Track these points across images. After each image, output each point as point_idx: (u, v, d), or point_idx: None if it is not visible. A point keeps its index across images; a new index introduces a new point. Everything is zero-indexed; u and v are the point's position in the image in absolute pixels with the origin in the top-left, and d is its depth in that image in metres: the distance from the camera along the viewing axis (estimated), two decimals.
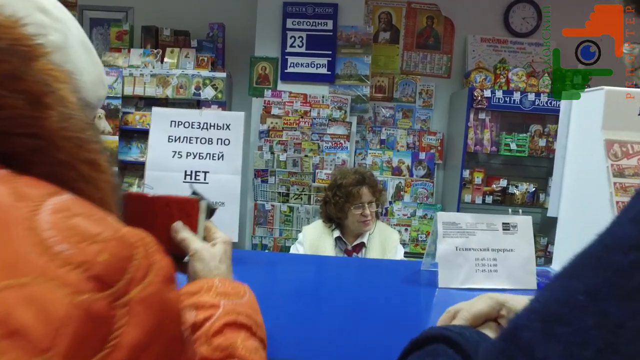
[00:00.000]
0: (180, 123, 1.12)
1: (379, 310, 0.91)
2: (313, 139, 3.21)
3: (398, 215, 3.61)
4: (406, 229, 3.58)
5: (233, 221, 1.13)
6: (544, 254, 3.56)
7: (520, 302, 0.62)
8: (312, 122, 3.22)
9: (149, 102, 3.29)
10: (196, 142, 1.13)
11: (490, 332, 0.60)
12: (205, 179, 1.13)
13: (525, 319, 0.31)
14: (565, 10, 3.91)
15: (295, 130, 3.21)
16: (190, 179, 1.11)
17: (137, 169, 3.39)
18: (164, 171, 1.09)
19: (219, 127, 1.15)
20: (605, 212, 1.15)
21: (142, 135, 3.31)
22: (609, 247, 0.29)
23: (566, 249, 1.30)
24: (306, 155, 3.18)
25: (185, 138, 1.13)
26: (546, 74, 3.53)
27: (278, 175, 3.20)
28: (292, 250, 1.99)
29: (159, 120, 1.10)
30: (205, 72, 3.33)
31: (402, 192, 3.64)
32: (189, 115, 1.13)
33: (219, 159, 1.14)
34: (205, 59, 3.38)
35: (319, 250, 1.87)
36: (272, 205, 3.21)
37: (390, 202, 3.60)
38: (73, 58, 0.48)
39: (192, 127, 1.13)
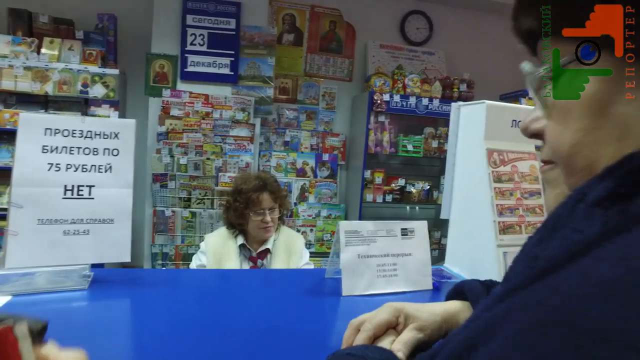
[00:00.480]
0: (57, 131, 0.99)
1: (285, 325, 0.89)
2: (215, 141, 3.10)
3: (303, 216, 3.65)
4: (311, 230, 3.64)
5: (125, 240, 1.03)
6: (438, 247, 3.85)
7: (417, 308, 0.65)
8: (215, 124, 3.11)
9: (23, 99, 2.90)
10: (78, 153, 1.01)
11: (390, 342, 0.61)
12: (90, 194, 1.01)
13: None
14: (455, 20, 4.27)
15: (196, 133, 3.07)
16: (72, 194, 0.99)
17: (7, 175, 2.96)
18: (37, 187, 0.96)
19: (105, 136, 1.04)
20: (487, 214, 1.26)
21: (13, 136, 2.88)
22: (583, 332, 0.26)
23: (458, 249, 1.40)
24: (208, 158, 3.07)
25: (65, 148, 1.00)
26: (437, 81, 3.82)
27: (178, 180, 3.03)
28: (195, 260, 1.89)
29: (28, 128, 0.96)
30: (94, 68, 3.03)
31: (306, 193, 3.68)
32: (68, 123, 1.00)
33: (106, 171, 1.03)
34: (94, 53, 3.08)
35: (222, 259, 1.81)
36: (173, 212, 3.03)
37: (295, 204, 3.63)
38: None
39: (72, 136, 1.01)
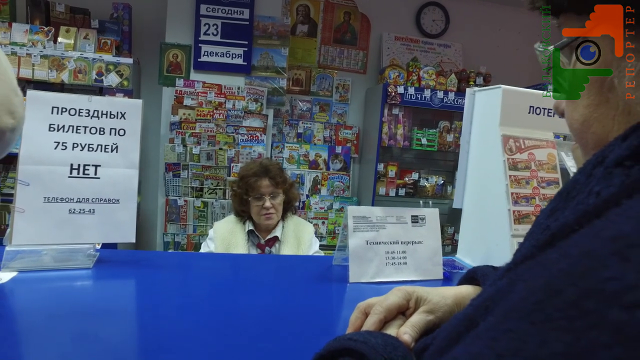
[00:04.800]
0: (64, 110, 0.98)
1: (291, 311, 0.88)
2: (228, 131, 3.09)
3: (315, 208, 3.63)
4: (323, 222, 3.61)
5: (130, 220, 1.02)
6: (451, 243, 3.80)
7: (427, 291, 0.62)
8: (227, 114, 3.11)
9: (40, 87, 2.93)
10: (85, 132, 1.00)
11: (398, 326, 0.59)
12: (95, 174, 1.00)
13: None
14: (472, 12, 4.18)
15: (209, 122, 3.07)
16: (78, 173, 0.99)
17: None
18: (43, 165, 0.95)
19: (112, 116, 1.03)
20: (502, 203, 1.22)
21: None
22: (595, 293, 0.22)
23: (470, 239, 1.36)
24: (221, 149, 3.06)
25: (71, 127, 0.99)
26: (453, 74, 3.75)
27: (191, 169, 3.04)
28: (203, 248, 1.89)
29: (36, 106, 0.95)
30: (108, 57, 3.04)
31: (319, 186, 3.66)
32: (75, 101, 0.99)
33: (112, 151, 1.02)
34: (109, 42, 3.09)
35: (230, 245, 1.80)
36: (185, 201, 3.04)
37: (308, 196, 3.61)
38: None
39: (79, 115, 1.00)
